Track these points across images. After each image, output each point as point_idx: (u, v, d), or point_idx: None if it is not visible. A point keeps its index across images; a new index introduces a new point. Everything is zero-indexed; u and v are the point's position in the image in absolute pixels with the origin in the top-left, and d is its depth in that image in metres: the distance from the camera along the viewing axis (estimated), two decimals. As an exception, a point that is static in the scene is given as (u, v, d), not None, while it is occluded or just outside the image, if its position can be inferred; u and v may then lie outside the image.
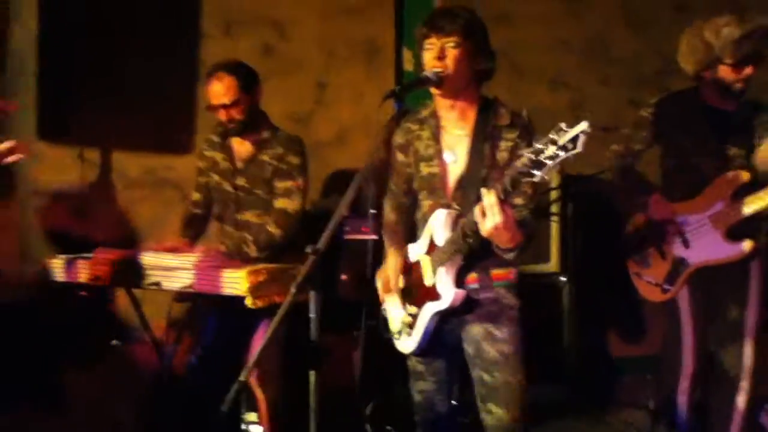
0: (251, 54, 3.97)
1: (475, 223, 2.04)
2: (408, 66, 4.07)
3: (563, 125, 1.77)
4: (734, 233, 2.75)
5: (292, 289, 1.94)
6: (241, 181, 3.05)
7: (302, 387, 1.99)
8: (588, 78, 4.23)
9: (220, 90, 2.91)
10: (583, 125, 1.73)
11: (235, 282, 2.58)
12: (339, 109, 4.05)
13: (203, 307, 3.07)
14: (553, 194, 3.51)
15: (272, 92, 3.95)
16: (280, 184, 2.99)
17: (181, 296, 2.79)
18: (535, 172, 1.82)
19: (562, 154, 1.76)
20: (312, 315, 2.01)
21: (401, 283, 2.43)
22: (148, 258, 2.78)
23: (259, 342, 2.81)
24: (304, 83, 4.04)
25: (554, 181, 3.55)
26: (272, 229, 2.95)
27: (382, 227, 2.57)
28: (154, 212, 3.79)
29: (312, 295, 2.01)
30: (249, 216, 3.01)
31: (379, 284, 2.50)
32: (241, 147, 3.07)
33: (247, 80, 2.97)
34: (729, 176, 2.75)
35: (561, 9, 4.21)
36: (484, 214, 1.98)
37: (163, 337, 2.95)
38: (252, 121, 2.99)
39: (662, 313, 3.01)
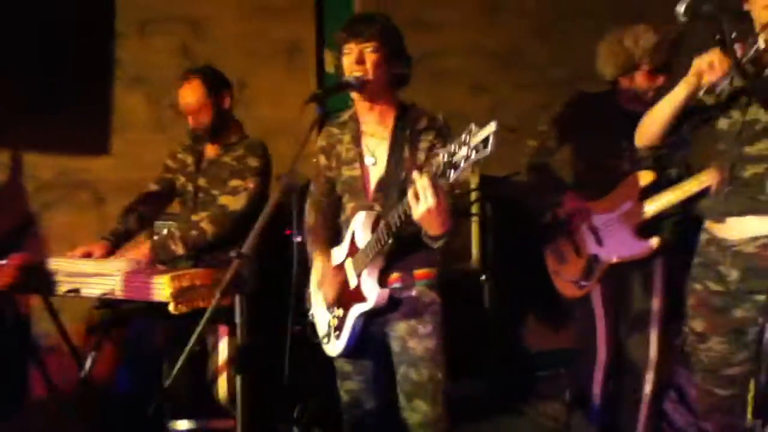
0: (167, 53, 3.92)
1: (405, 213, 2.07)
2: (330, 68, 4.09)
3: (473, 127, 1.83)
4: (643, 231, 2.89)
5: (217, 294, 1.94)
6: (201, 182, 3.06)
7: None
8: (504, 83, 4.35)
9: (187, 94, 2.95)
10: (492, 126, 1.78)
11: (159, 287, 2.53)
12: (259, 109, 4.02)
13: (126, 313, 3.00)
14: (473, 195, 3.60)
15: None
16: (231, 182, 2.98)
17: (102, 303, 2.72)
18: (450, 172, 1.88)
19: (473, 155, 1.81)
20: (238, 320, 2.01)
21: (330, 288, 2.46)
22: (62, 264, 2.69)
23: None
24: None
25: (473, 183, 3.64)
26: (205, 225, 2.90)
27: (305, 231, 2.59)
28: (68, 215, 3.67)
29: (238, 300, 2.01)
30: (195, 218, 2.96)
31: (310, 291, 2.51)
32: (210, 151, 3.10)
33: (215, 84, 3.00)
34: (637, 176, 2.89)
35: (477, 16, 4.32)
36: (417, 198, 1.99)
37: (82, 345, 2.87)
38: (221, 126, 3.02)
39: (577, 308, 3.14)
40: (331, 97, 2.34)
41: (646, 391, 3.00)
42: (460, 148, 1.85)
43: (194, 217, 2.94)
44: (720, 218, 2.12)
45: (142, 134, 3.86)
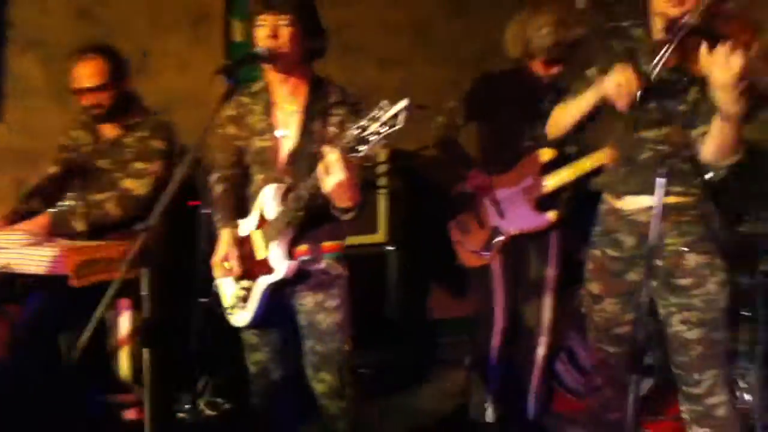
0: (65, 18, 3.73)
1: (315, 186, 2.09)
2: (238, 37, 4.01)
3: (385, 103, 1.88)
4: (542, 205, 3.05)
5: (123, 267, 1.91)
6: (102, 163, 2.95)
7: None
8: (415, 58, 4.40)
9: (87, 72, 2.83)
10: (403, 103, 1.84)
11: (51, 260, 2.45)
12: (164, 78, 3.91)
13: (22, 289, 2.88)
14: (381, 168, 3.65)
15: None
16: (136, 165, 2.91)
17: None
18: (361, 147, 1.92)
19: (384, 130, 1.87)
20: (144, 292, 1.99)
21: (236, 260, 2.45)
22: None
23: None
24: (125, 51, 3.84)
25: (382, 156, 3.70)
26: (110, 207, 2.85)
27: (211, 202, 2.56)
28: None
29: (144, 273, 1.99)
30: (101, 197, 2.88)
31: (215, 263, 2.48)
32: (109, 131, 2.99)
33: (117, 64, 2.91)
34: (538, 153, 3.03)
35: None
36: (327, 172, 2.02)
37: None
38: (121, 107, 2.92)
39: (477, 277, 3.26)
40: (241, 68, 2.31)
41: (539, 353, 3.19)
42: (371, 123, 1.89)
43: (99, 196, 2.86)
44: (618, 195, 2.27)
45: (36, 101, 3.68)
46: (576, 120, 2.28)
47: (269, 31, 2.23)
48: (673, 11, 1.98)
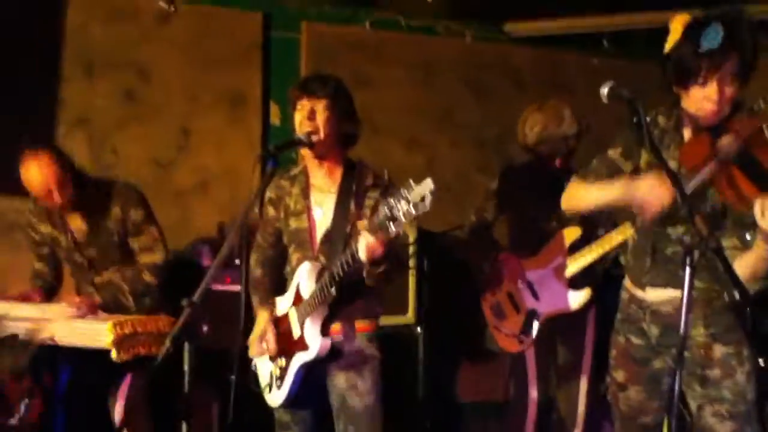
0: (111, 97, 3.93)
1: (348, 262, 2.18)
2: (275, 120, 4.19)
3: (412, 183, 1.96)
4: (575, 284, 3.07)
5: (167, 342, 1.96)
6: (91, 252, 2.98)
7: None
8: (439, 140, 4.55)
9: (41, 175, 2.72)
10: (430, 185, 1.93)
11: (101, 334, 2.53)
12: (202, 156, 4.07)
13: (50, 357, 2.94)
14: (411, 248, 3.72)
15: (134, 137, 3.94)
16: (136, 242, 2.97)
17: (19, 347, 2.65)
18: (391, 226, 2.01)
19: (413, 210, 1.95)
20: (186, 367, 2.05)
21: (272, 339, 2.51)
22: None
23: (124, 395, 2.75)
24: (167, 129, 4.03)
25: (411, 236, 3.78)
26: (148, 278, 2.93)
27: (249, 282, 2.62)
28: (2, 256, 3.59)
29: (186, 348, 2.05)
30: (108, 275, 2.96)
31: (251, 343, 2.54)
32: (75, 219, 2.96)
33: (61, 154, 2.83)
34: (565, 232, 3.10)
35: (416, 77, 4.52)
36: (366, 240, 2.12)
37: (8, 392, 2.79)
38: (80, 195, 2.86)
39: (510, 362, 3.27)
40: (282, 153, 2.43)
41: None
42: (399, 202, 1.97)
43: (128, 273, 2.93)
44: (639, 285, 2.30)
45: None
46: (594, 206, 2.31)
47: (307, 114, 2.36)
48: (706, 121, 2.04)
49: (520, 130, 3.23)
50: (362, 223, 2.14)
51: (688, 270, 1.95)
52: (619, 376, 2.35)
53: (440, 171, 4.44)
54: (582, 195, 2.34)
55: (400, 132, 4.46)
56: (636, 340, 2.31)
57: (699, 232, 1.88)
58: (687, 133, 2.17)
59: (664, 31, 4.31)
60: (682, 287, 2.08)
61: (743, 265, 2.02)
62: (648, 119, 2.23)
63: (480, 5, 4.26)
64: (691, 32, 2.00)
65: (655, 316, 2.23)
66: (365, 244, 2.12)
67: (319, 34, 4.30)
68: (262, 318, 2.53)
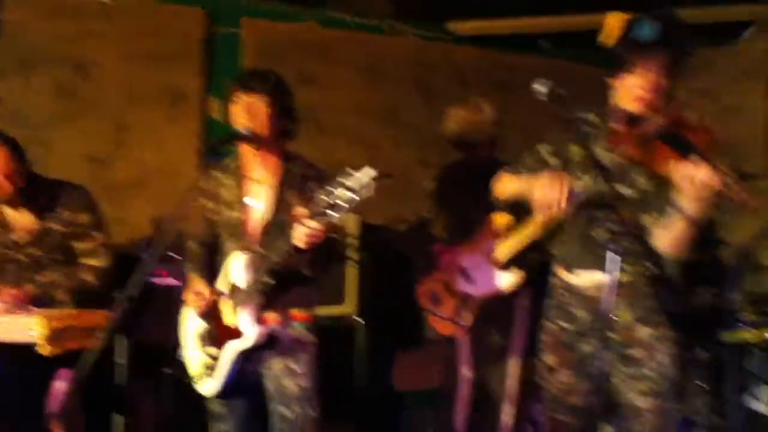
0: (46, 93, 3.85)
1: (284, 251, 2.20)
2: (215, 115, 4.15)
3: (349, 169, 1.99)
4: (507, 266, 3.11)
5: (102, 336, 1.94)
6: (35, 251, 2.89)
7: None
8: (384, 139, 4.58)
9: None
10: (370, 172, 1.96)
11: (30, 329, 2.47)
12: (140, 152, 4.01)
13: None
14: (350, 240, 3.74)
15: (69, 133, 3.86)
16: (81, 246, 2.90)
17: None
18: (330, 212, 2.03)
19: (355, 198, 1.98)
20: (120, 360, 2.02)
21: (202, 326, 2.49)
22: None
23: (59, 391, 2.68)
24: (104, 125, 3.96)
25: (351, 229, 3.80)
26: (90, 278, 2.87)
27: (186, 258, 2.61)
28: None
29: (120, 341, 2.03)
30: (50, 276, 2.88)
31: (188, 296, 2.51)
32: (20, 217, 2.88)
33: (18, 147, 2.81)
34: (495, 218, 3.14)
35: (361, 76, 4.54)
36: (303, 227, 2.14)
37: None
38: (30, 191, 2.82)
39: (443, 348, 3.32)
40: (223, 147, 2.44)
41: (504, 423, 3.22)
42: (338, 189, 1.99)
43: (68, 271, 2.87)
44: (568, 269, 2.37)
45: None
46: (511, 198, 2.42)
47: (248, 112, 2.37)
48: (635, 107, 2.12)
49: (446, 126, 3.38)
50: (301, 211, 2.14)
51: (611, 255, 2.04)
52: (549, 360, 2.40)
53: (384, 169, 4.45)
54: (504, 185, 2.47)
55: (345, 131, 4.48)
56: (565, 325, 2.36)
57: (622, 217, 1.96)
58: (616, 126, 2.23)
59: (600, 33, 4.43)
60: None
61: (668, 232, 2.08)
62: (581, 116, 2.32)
63: (424, 4, 4.31)
64: (628, 25, 2.10)
65: (584, 300, 2.29)
66: (304, 232, 2.13)
67: (262, 30, 4.28)
68: (196, 279, 2.51)
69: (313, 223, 2.11)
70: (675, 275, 2.23)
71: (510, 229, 3.09)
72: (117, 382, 2.03)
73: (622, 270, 2.11)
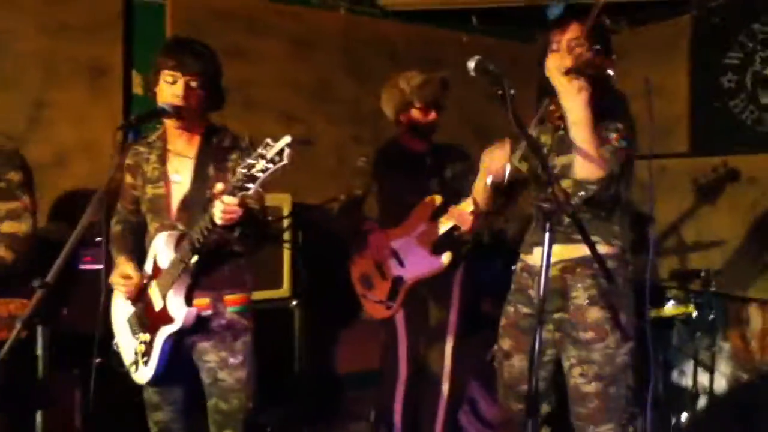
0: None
1: (207, 228, 2.13)
2: (137, 90, 3.98)
3: (269, 140, 1.94)
4: (438, 249, 3.16)
5: (18, 325, 1.84)
6: None
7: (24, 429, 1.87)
8: (315, 115, 4.50)
9: None
10: (286, 139, 1.92)
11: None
12: (59, 130, 3.81)
13: None
14: (285, 222, 3.69)
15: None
16: (4, 207, 2.71)
17: None
18: (249, 185, 1.96)
19: (271, 166, 1.92)
20: (40, 352, 1.92)
21: (128, 312, 2.40)
22: None
23: None
24: (19, 101, 3.73)
25: (285, 209, 3.74)
26: (2, 252, 2.68)
27: (110, 240, 2.51)
28: None
29: (40, 331, 1.92)
30: None
31: (114, 280, 2.41)
32: None
33: None
34: (426, 201, 3.20)
35: (290, 49, 4.44)
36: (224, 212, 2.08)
37: None
38: None
39: (381, 329, 3.32)
40: (145, 123, 2.32)
41: (441, 402, 3.26)
42: (257, 160, 1.93)
43: None
44: (529, 249, 2.39)
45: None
46: (488, 198, 2.52)
47: (179, 90, 2.27)
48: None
49: (390, 94, 3.29)
50: (219, 186, 2.07)
51: (546, 235, 2.05)
52: (505, 344, 2.43)
53: (316, 146, 4.40)
54: (475, 195, 2.56)
55: (275, 106, 4.36)
56: (524, 309, 2.39)
57: (556, 197, 1.98)
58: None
59: (530, 11, 4.47)
60: (564, 244, 2.20)
61: (574, 160, 2.11)
62: (512, 92, 2.32)
63: (353, -23, 4.23)
64: (541, 10, 2.25)
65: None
66: (221, 208, 2.06)
67: (187, 1, 4.11)
68: (123, 261, 2.42)
69: (228, 199, 2.03)
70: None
71: (442, 211, 3.11)
72: (38, 375, 1.90)
73: (580, 250, 2.14)
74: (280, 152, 1.90)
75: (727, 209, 4.15)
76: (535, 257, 2.35)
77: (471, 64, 1.99)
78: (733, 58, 4.25)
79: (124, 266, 2.41)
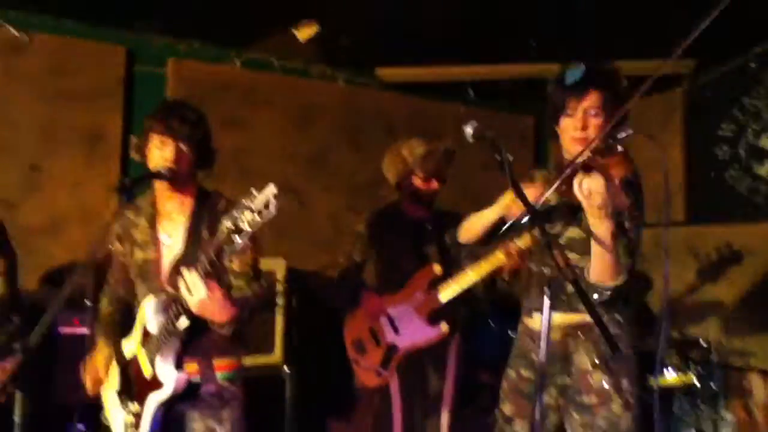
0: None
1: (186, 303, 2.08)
2: (135, 155, 3.98)
3: (253, 190, 1.90)
4: (434, 318, 3.11)
5: (-3, 390, 1.77)
6: None
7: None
8: (311, 184, 4.51)
9: None
10: (271, 188, 1.88)
11: None
12: (54, 195, 3.80)
13: None
14: (278, 287, 3.64)
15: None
16: None
17: None
18: (236, 238, 1.92)
19: (258, 218, 1.88)
20: (17, 418, 1.84)
21: (117, 383, 2.34)
22: None
23: None
24: (15, 167, 3.74)
25: (279, 274, 3.69)
26: None
27: (97, 321, 2.47)
28: None
29: (19, 398, 1.85)
30: None
31: (87, 381, 2.37)
32: None
33: None
34: (425, 270, 3.17)
35: (289, 120, 4.49)
36: (189, 292, 2.05)
37: None
38: None
39: (373, 397, 3.23)
40: (139, 187, 2.31)
41: None
42: (243, 212, 1.90)
43: None
44: (529, 313, 2.34)
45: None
46: (483, 230, 2.42)
47: (170, 154, 2.27)
48: (572, 148, 2.17)
49: (392, 161, 3.31)
50: (184, 270, 2.05)
51: (546, 301, 2.01)
52: (507, 409, 2.37)
53: (313, 214, 4.40)
54: (476, 220, 2.47)
55: (272, 175, 4.28)
56: (526, 374, 2.34)
57: (557, 263, 1.95)
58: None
59: (526, 84, 4.54)
60: (566, 312, 2.15)
61: (593, 258, 2.07)
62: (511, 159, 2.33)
63: (352, 50, 4.32)
64: (558, 73, 2.20)
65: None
66: (186, 298, 2.05)
67: (188, 71, 4.18)
68: (100, 352, 2.39)
69: (190, 276, 2.03)
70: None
71: (440, 280, 3.07)
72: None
73: (582, 314, 2.10)
74: (266, 203, 1.88)
75: (724, 278, 4.11)
76: (535, 321, 2.31)
77: (469, 130, 2.01)
78: (726, 130, 4.30)
79: (102, 348, 2.40)
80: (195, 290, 2.04)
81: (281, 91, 4.47)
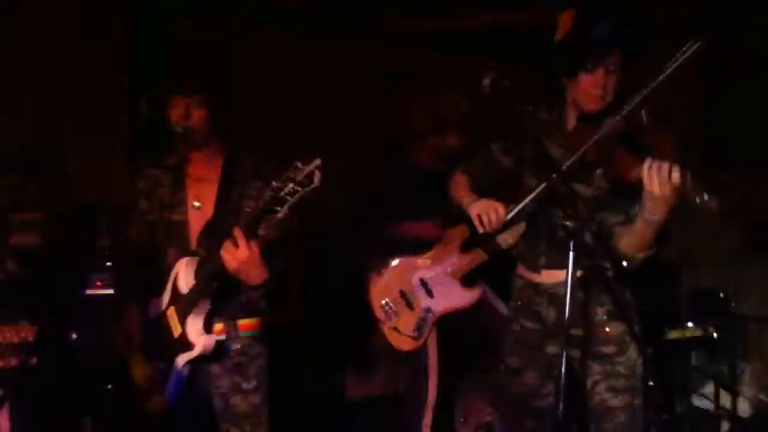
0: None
1: (222, 262, 2.08)
2: (143, 111, 3.92)
3: (299, 163, 1.89)
4: (468, 280, 3.12)
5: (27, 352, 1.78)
6: None
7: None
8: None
9: None
10: (317, 162, 1.87)
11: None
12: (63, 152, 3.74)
13: None
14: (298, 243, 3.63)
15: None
16: (17, 217, 2.67)
17: None
18: (277, 208, 1.92)
19: (300, 189, 1.88)
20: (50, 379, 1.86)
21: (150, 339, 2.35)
22: None
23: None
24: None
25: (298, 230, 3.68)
26: (11, 267, 2.61)
27: (121, 281, 2.48)
28: None
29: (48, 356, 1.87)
30: None
31: (120, 344, 2.38)
32: None
33: None
34: (455, 231, 3.13)
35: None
36: (230, 252, 2.05)
37: None
38: None
39: (401, 355, 3.23)
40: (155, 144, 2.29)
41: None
42: (286, 184, 1.89)
43: None
44: (535, 269, 2.32)
45: None
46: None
47: (182, 112, 2.23)
48: (592, 107, 2.13)
49: (428, 113, 3.31)
50: (236, 232, 2.05)
51: (571, 254, 2.01)
52: (513, 361, 2.37)
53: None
54: (454, 190, 2.48)
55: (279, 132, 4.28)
56: (530, 325, 2.34)
57: (579, 215, 1.95)
58: (570, 123, 2.25)
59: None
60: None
61: (632, 235, 2.09)
62: (530, 109, 2.30)
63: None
64: (582, 25, 2.12)
65: (553, 299, 2.27)
66: (225, 257, 2.06)
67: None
68: (130, 317, 2.38)
69: (236, 245, 2.04)
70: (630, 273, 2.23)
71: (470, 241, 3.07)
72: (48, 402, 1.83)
73: (588, 267, 2.10)
74: (310, 175, 1.85)
75: (742, 228, 4.08)
76: (543, 276, 2.30)
77: (486, 81, 1.97)
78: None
79: (129, 325, 2.38)
80: (237, 251, 2.04)
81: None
